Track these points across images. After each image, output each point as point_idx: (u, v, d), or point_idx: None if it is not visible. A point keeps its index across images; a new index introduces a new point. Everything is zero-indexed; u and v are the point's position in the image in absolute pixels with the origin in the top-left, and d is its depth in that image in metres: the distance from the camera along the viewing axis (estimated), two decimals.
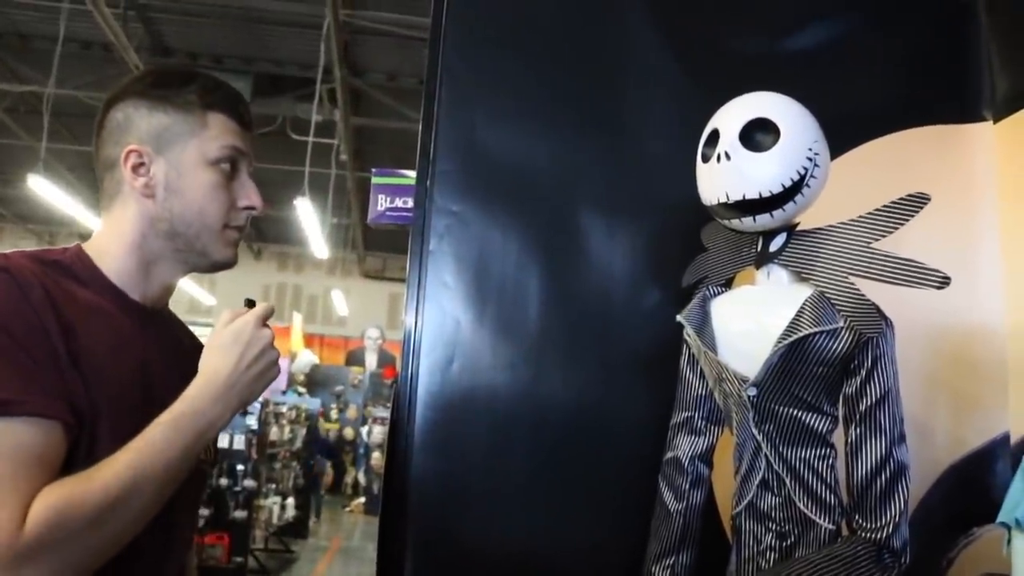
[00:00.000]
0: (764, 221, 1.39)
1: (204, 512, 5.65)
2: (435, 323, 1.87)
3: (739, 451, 1.47)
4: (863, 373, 1.35)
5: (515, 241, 1.88)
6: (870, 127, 1.91)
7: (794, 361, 1.36)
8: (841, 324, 1.34)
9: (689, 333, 1.51)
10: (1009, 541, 1.29)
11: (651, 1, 1.97)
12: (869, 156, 1.88)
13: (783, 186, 1.35)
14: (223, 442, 5.92)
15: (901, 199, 1.35)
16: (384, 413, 9.61)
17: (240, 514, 6.08)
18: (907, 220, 1.34)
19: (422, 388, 1.84)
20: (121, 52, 6.90)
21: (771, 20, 2.00)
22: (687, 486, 1.54)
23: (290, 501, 7.75)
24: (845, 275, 1.36)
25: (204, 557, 5.77)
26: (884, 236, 1.35)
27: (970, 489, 1.80)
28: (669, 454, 1.58)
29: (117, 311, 1.16)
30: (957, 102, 1.96)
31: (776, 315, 1.39)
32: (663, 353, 1.65)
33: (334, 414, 10.96)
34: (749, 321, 1.46)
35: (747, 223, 1.41)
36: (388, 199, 2.17)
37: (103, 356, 1.08)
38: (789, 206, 1.37)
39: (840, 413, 1.41)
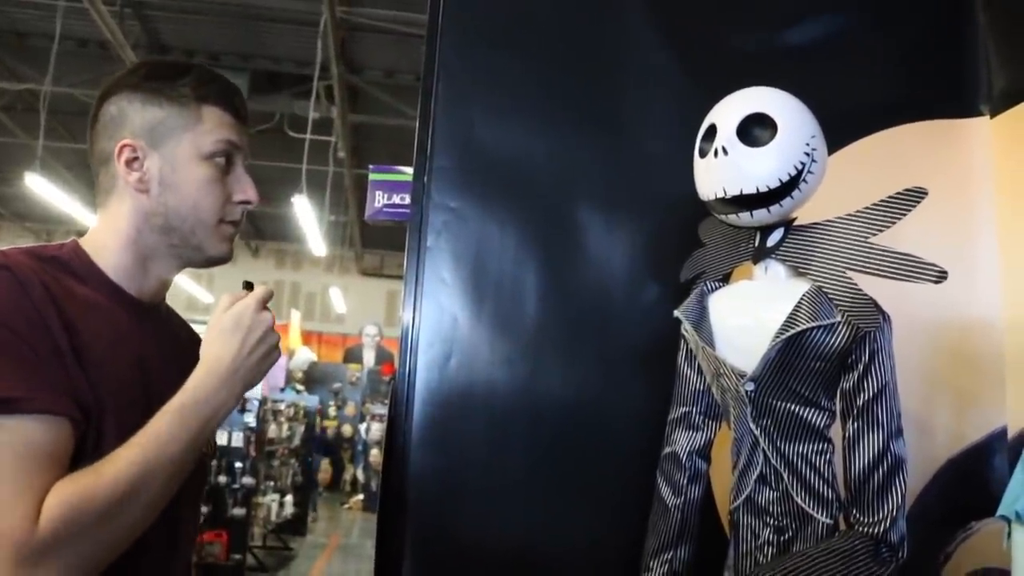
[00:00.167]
0: (761, 216, 1.39)
1: (203, 509, 5.65)
2: (433, 319, 1.87)
3: (737, 446, 1.47)
4: (860, 368, 1.35)
5: (512, 237, 1.88)
6: (868, 122, 1.91)
7: (792, 356, 1.36)
8: (838, 319, 1.34)
9: (687, 328, 1.51)
10: (1009, 534, 1.29)
11: None
12: (867, 151, 1.88)
13: (780, 181, 1.35)
14: (222, 439, 5.92)
15: (898, 194, 1.35)
16: (382, 410, 9.60)
17: (238, 511, 6.08)
18: (904, 215, 1.34)
19: (420, 384, 1.84)
20: (118, 50, 6.89)
21: (769, 16, 2.00)
22: (685, 481, 1.54)
23: (288, 498, 7.75)
24: (842, 270, 1.36)
25: (203, 555, 5.77)
26: (881, 231, 1.35)
27: (968, 483, 1.80)
28: (667, 449, 1.58)
29: (114, 306, 1.16)
30: (954, 97, 1.96)
31: (773, 310, 1.39)
32: (661, 348, 1.65)
33: (332, 411, 10.96)
34: (747, 316, 1.46)
35: (744, 218, 1.41)
36: (385, 195, 2.16)
37: (103, 352, 1.08)
38: (786, 201, 1.37)
39: (838, 408, 1.41)
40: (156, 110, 1.19)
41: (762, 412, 1.41)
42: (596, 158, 1.92)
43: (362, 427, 10.73)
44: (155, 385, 1.14)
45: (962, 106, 1.95)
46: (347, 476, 11.06)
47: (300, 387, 9.78)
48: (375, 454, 9.94)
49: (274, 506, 7.23)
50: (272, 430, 7.31)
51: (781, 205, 1.37)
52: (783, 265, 1.45)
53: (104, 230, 1.21)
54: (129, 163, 1.18)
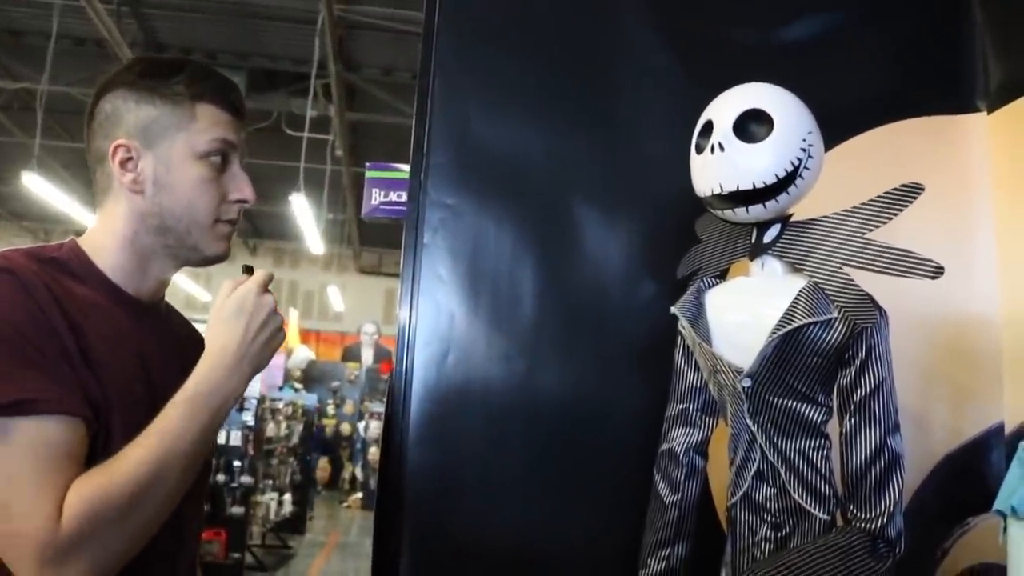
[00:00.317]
0: (757, 212, 1.39)
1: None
2: (430, 317, 1.86)
3: (734, 442, 1.47)
4: (857, 363, 1.35)
5: (509, 234, 1.88)
6: (865, 118, 1.91)
7: (788, 352, 1.36)
8: (835, 314, 1.33)
9: (683, 325, 1.51)
10: (1005, 529, 1.29)
11: None
12: (864, 147, 1.88)
13: (777, 177, 1.35)
14: (220, 438, 5.91)
15: (895, 190, 1.35)
16: (381, 408, 9.60)
17: (237, 510, 6.08)
18: (901, 210, 1.34)
19: (417, 382, 1.84)
20: (115, 48, 6.88)
21: (765, 13, 2.00)
22: (682, 478, 1.54)
23: (287, 497, 7.75)
24: (839, 265, 1.36)
25: (201, 553, 5.74)
26: (878, 226, 1.35)
27: (965, 479, 1.80)
28: (664, 446, 1.58)
29: (113, 306, 1.15)
30: (951, 93, 1.96)
31: (770, 306, 1.39)
32: (658, 345, 1.65)
33: (331, 409, 10.96)
34: (743, 312, 1.46)
35: (741, 214, 1.41)
36: (382, 193, 2.16)
37: (106, 351, 1.09)
38: (783, 197, 1.37)
39: (835, 404, 1.41)
40: (150, 109, 1.18)
41: (759, 408, 1.41)
42: (592, 155, 1.92)
43: (361, 425, 10.74)
44: (157, 383, 1.14)
45: (959, 102, 1.95)
46: (346, 474, 11.07)
47: (298, 386, 9.78)
48: (374, 452, 9.94)
49: (273, 505, 7.23)
50: (270, 429, 7.31)
51: (777, 201, 1.37)
52: (780, 261, 1.44)
53: (101, 230, 1.21)
54: (123, 163, 1.18)
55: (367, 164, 2.21)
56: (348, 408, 11.10)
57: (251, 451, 6.38)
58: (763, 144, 1.35)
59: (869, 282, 1.35)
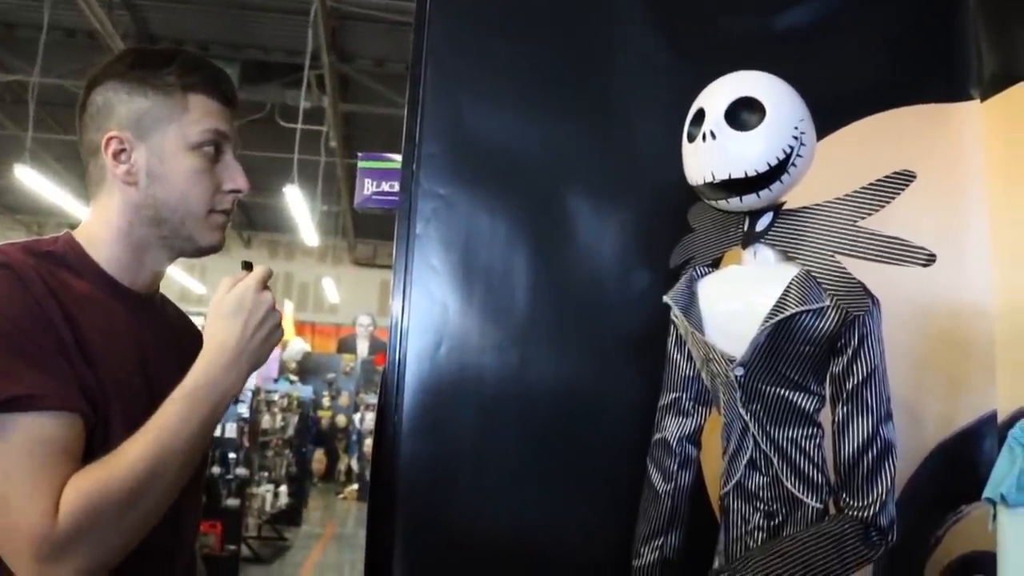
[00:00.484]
0: (750, 200, 1.39)
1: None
2: (423, 307, 1.86)
3: (727, 431, 1.47)
4: (849, 352, 1.35)
5: (502, 223, 1.87)
6: (858, 107, 1.90)
7: (781, 340, 1.36)
8: (827, 303, 1.33)
9: (676, 314, 1.51)
10: (995, 517, 1.29)
11: None
12: (857, 136, 1.87)
13: (769, 165, 1.34)
14: (215, 430, 5.91)
15: (887, 177, 1.34)
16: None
17: (233, 502, 6.09)
18: (893, 198, 1.34)
19: (410, 373, 1.83)
20: (107, 40, 6.86)
21: (759, 0, 1.99)
22: (675, 467, 1.54)
23: (283, 489, 7.76)
24: (831, 254, 1.35)
25: (198, 545, 5.77)
26: (870, 214, 1.34)
27: (958, 467, 1.80)
28: (657, 435, 1.58)
29: (110, 299, 1.16)
30: (944, 81, 1.96)
31: (763, 295, 1.38)
32: (652, 335, 1.65)
33: (326, 401, 10.97)
34: (736, 301, 1.45)
35: (733, 203, 1.40)
36: (374, 183, 2.15)
37: (104, 345, 1.09)
38: (775, 185, 1.36)
39: (827, 392, 1.41)
40: (142, 100, 1.18)
41: (752, 397, 1.41)
42: (586, 144, 1.91)
43: (356, 417, 10.75)
44: (155, 375, 1.15)
45: (952, 90, 1.95)
46: (342, 466, 11.08)
47: (294, 377, 9.78)
48: (369, 444, 9.93)
49: (269, 497, 7.23)
50: (266, 421, 7.31)
51: (770, 189, 1.37)
52: (772, 250, 1.44)
53: (96, 222, 1.21)
54: (116, 155, 1.18)
55: (359, 154, 2.20)
56: (344, 400, 11.10)
57: (247, 443, 6.38)
58: (755, 132, 1.34)
59: (861, 270, 1.35)
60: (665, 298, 1.52)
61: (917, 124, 1.91)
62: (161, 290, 1.31)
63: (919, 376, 1.83)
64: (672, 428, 1.55)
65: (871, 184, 1.35)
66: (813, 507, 1.37)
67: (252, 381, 6.49)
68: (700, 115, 1.40)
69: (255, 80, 8.10)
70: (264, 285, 1.18)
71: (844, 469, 1.36)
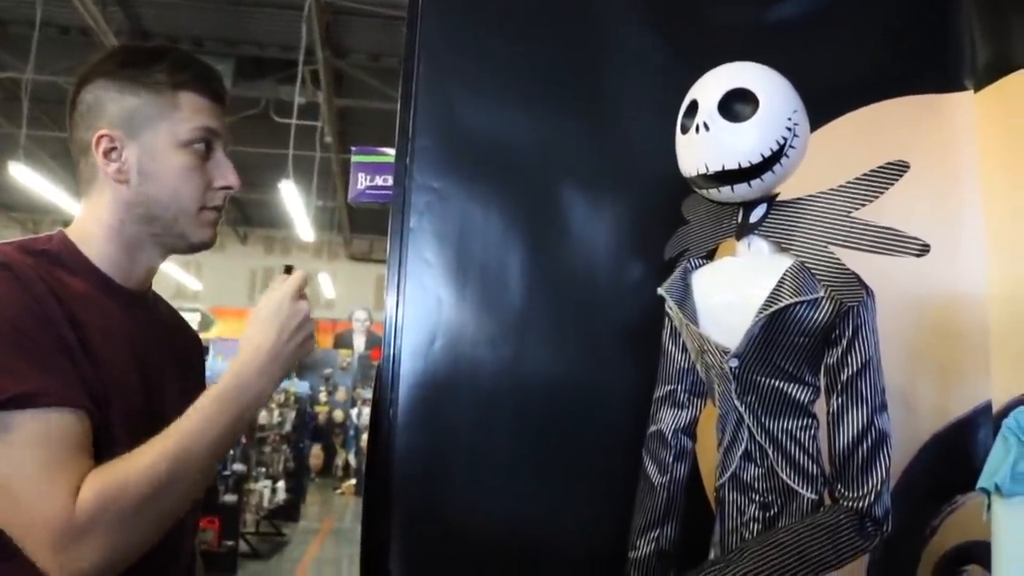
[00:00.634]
0: (743, 191, 1.39)
1: None
2: (417, 301, 1.85)
3: (722, 423, 1.47)
4: (844, 343, 1.35)
5: (496, 217, 1.87)
6: (851, 98, 1.90)
7: (775, 332, 1.36)
8: (821, 294, 1.33)
9: (670, 306, 1.51)
10: (989, 507, 1.30)
11: None
12: (850, 127, 1.87)
13: (762, 156, 1.34)
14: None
15: (880, 168, 1.34)
16: None
17: (230, 498, 6.09)
18: (887, 188, 1.34)
19: (405, 367, 1.83)
20: (100, 37, 6.84)
21: None
22: (671, 459, 1.54)
23: (280, 484, 7.76)
24: (825, 244, 1.35)
25: (196, 542, 5.77)
26: (864, 205, 1.35)
27: (953, 458, 1.81)
28: (652, 427, 1.58)
29: (104, 296, 1.16)
30: (938, 72, 1.95)
31: (757, 286, 1.38)
32: (647, 327, 1.65)
33: (323, 397, 10.97)
34: (730, 292, 1.45)
35: (726, 194, 1.40)
36: (368, 177, 2.15)
37: (101, 342, 1.09)
38: (768, 176, 1.36)
39: (822, 383, 1.41)
40: (132, 98, 1.18)
41: (746, 388, 1.41)
42: (579, 137, 1.91)
43: (353, 412, 10.76)
44: (150, 372, 1.16)
45: (946, 80, 1.94)
46: (339, 461, 11.09)
47: (291, 373, 9.77)
48: (367, 439, 9.95)
49: (266, 492, 7.24)
50: (263, 416, 7.31)
51: (763, 180, 1.37)
52: (766, 241, 1.44)
53: (88, 221, 1.21)
54: (107, 154, 1.18)
55: (353, 148, 2.20)
56: (340, 395, 11.12)
57: (243, 439, 6.38)
58: (748, 123, 1.34)
59: (855, 261, 1.35)
60: (660, 290, 1.52)
61: (911, 115, 1.91)
62: (157, 286, 1.31)
63: (913, 366, 1.83)
64: (667, 420, 1.55)
65: (865, 175, 1.35)
66: (808, 498, 1.37)
67: None
68: (693, 107, 1.40)
69: (249, 76, 8.07)
70: (300, 292, 1.19)
71: (839, 460, 1.36)
